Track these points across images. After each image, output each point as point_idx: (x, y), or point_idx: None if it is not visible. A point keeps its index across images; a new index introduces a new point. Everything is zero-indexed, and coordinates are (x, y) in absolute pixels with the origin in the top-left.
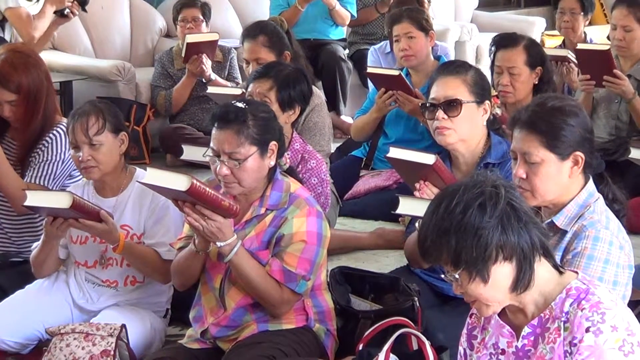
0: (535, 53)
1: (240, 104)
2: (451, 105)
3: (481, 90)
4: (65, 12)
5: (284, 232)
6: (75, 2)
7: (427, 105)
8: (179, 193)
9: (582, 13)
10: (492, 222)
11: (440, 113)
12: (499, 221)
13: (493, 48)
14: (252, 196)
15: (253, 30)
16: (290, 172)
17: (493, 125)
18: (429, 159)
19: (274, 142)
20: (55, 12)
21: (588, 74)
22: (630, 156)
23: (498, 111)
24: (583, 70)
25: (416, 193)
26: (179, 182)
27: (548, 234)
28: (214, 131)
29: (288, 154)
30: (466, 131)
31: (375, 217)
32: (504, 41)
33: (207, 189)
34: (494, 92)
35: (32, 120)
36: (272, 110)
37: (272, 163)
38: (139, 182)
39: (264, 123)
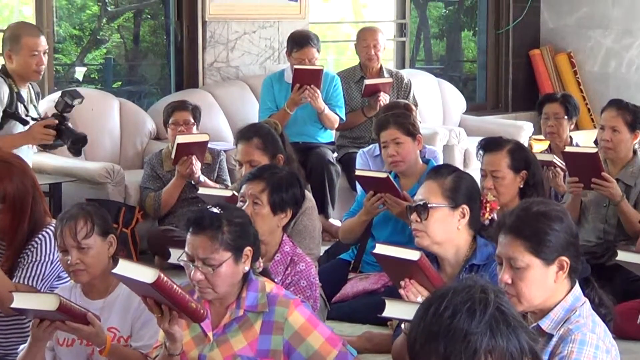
0: (519, 157)
1: (215, 209)
2: (419, 209)
3: (455, 195)
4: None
5: (287, 336)
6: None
7: (408, 208)
8: (146, 287)
9: (566, 117)
10: (481, 327)
11: (414, 216)
12: (488, 326)
13: (480, 152)
14: (227, 299)
15: (247, 133)
16: (264, 272)
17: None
18: (414, 255)
19: (248, 248)
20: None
21: (576, 177)
22: (617, 259)
23: (495, 216)
24: (571, 173)
25: (401, 291)
26: (146, 274)
27: (537, 338)
28: (188, 236)
29: (275, 259)
30: (439, 234)
31: (363, 320)
32: (489, 145)
33: (175, 286)
34: (492, 197)
35: (20, 226)
36: (247, 215)
37: (247, 268)
38: (112, 273)
39: (239, 229)
